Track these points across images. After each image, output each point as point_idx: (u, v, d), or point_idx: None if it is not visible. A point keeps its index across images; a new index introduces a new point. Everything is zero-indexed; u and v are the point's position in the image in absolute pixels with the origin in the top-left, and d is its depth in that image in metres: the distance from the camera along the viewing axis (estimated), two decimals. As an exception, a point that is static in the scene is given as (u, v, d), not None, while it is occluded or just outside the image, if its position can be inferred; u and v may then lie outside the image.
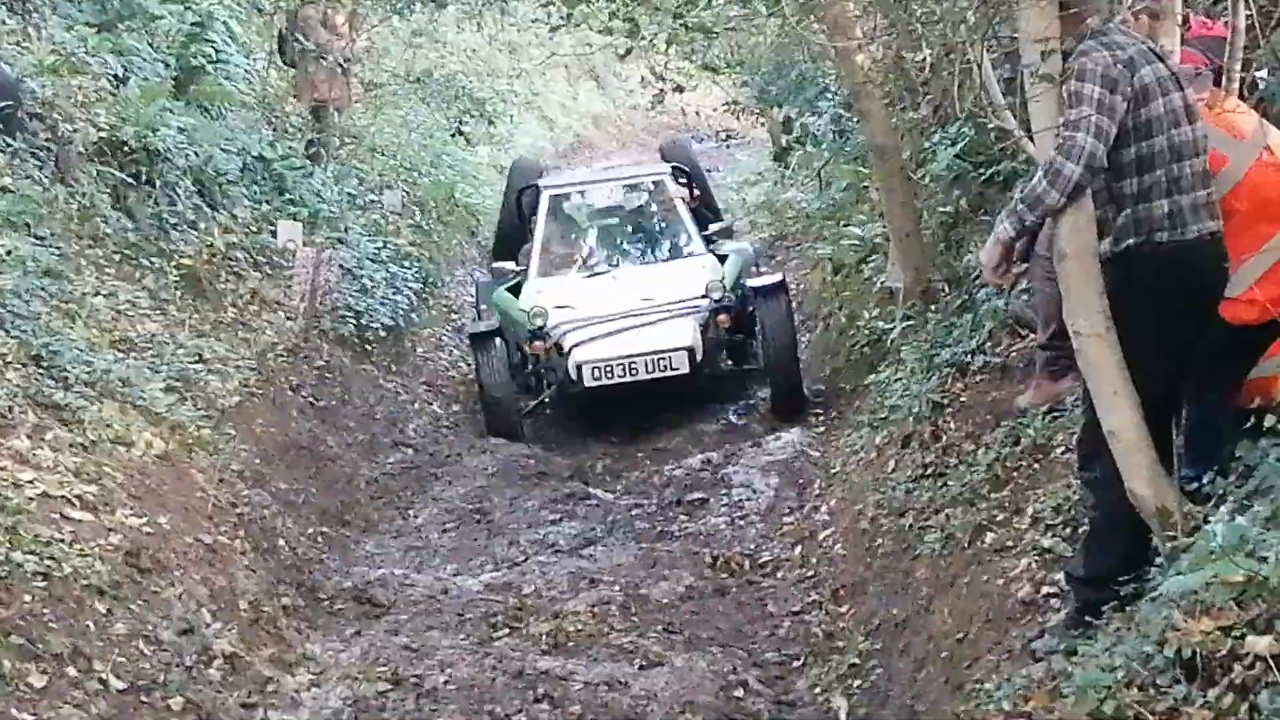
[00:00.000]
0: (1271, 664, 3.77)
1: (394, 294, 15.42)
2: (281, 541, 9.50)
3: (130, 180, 11.68)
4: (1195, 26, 6.46)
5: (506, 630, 8.64)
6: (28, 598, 6.45)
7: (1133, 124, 5.36)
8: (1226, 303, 5.60)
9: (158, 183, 11.96)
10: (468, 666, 7.92)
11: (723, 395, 14.04)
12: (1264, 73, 6.97)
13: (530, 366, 13.95)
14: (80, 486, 7.61)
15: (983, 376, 9.33)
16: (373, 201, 17.71)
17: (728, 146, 26.76)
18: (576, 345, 13.19)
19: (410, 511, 11.65)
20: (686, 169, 16.39)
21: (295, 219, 13.98)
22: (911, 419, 9.61)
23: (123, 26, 13.27)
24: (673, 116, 27.03)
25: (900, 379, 10.46)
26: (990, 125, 8.09)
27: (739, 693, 7.74)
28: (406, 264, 16.43)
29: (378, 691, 7.61)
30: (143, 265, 11.21)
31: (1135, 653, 4.32)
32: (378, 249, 15.83)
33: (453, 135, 23.61)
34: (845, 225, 15.30)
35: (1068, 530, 6.75)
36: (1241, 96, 6.32)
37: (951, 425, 9.13)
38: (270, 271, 13.25)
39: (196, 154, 12.82)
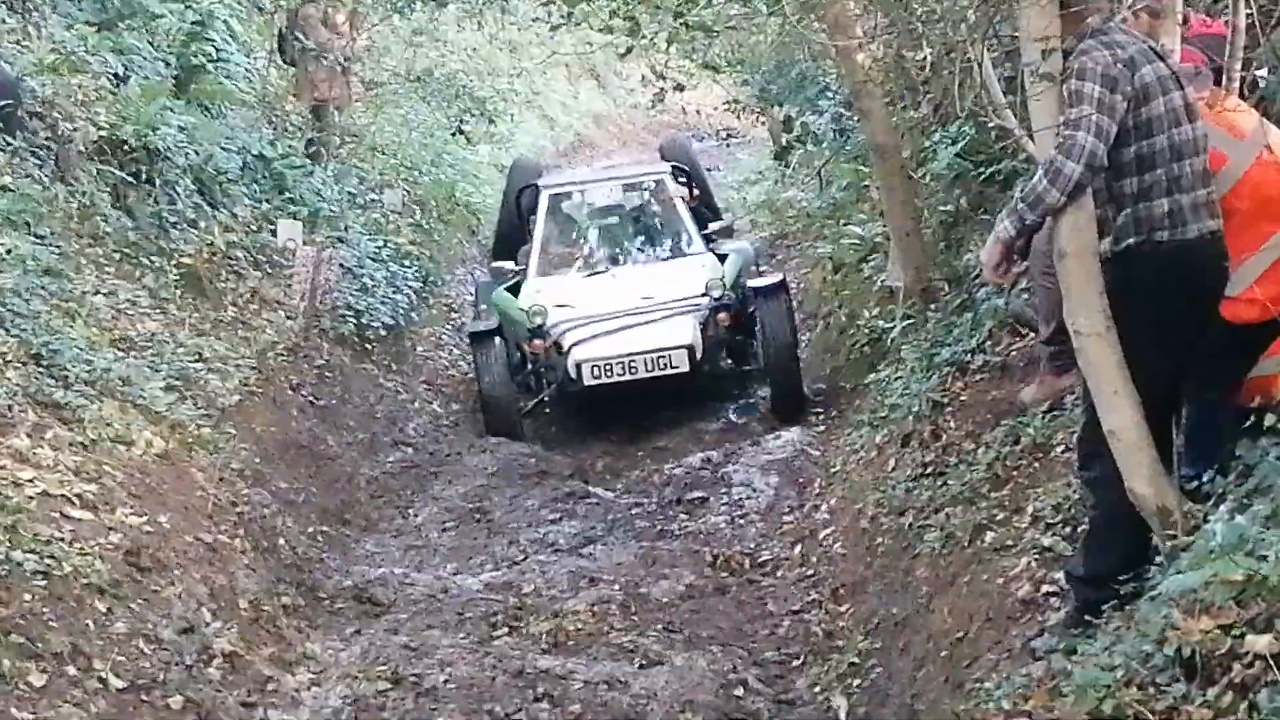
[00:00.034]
0: (1271, 663, 3.77)
1: (394, 293, 15.42)
2: (281, 540, 9.50)
3: (130, 179, 11.69)
4: (1195, 25, 6.46)
5: (506, 629, 8.64)
6: (27, 596, 6.44)
7: (1133, 123, 5.36)
8: (1227, 302, 5.60)
9: (158, 181, 11.96)
10: (467, 665, 7.92)
11: (723, 394, 14.04)
12: (1264, 71, 6.97)
13: (530, 366, 13.94)
14: (80, 485, 7.61)
15: (983, 375, 9.34)
16: (373, 200, 17.71)
17: (728, 145, 26.81)
18: (576, 344, 13.18)
19: (410, 510, 11.65)
20: (686, 168, 16.39)
21: (295, 218, 13.98)
22: (911, 418, 9.61)
23: (123, 25, 13.27)
24: (673, 115, 27.08)
25: (900, 378, 10.47)
26: (991, 124, 8.09)
27: (739, 691, 7.74)
28: (407, 263, 16.43)
29: (378, 690, 7.62)
30: (143, 264, 11.22)
31: (1135, 651, 4.32)
32: (378, 248, 15.83)
33: (453, 134, 23.62)
34: (845, 224, 15.30)
35: (1068, 529, 6.75)
36: (1242, 95, 6.32)
37: (951, 424, 9.13)
38: (270, 270, 13.26)
39: (197, 153, 12.82)
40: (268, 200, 14.25)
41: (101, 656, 6.58)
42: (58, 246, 10.09)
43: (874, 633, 8.16)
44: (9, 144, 10.48)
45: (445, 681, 7.74)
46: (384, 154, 20.00)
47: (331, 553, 10.13)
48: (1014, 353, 9.27)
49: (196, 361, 10.46)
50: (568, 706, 7.46)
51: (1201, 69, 6.02)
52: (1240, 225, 5.64)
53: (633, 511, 11.22)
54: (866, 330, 12.52)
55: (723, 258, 14.66)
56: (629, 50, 13.36)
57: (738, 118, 24.76)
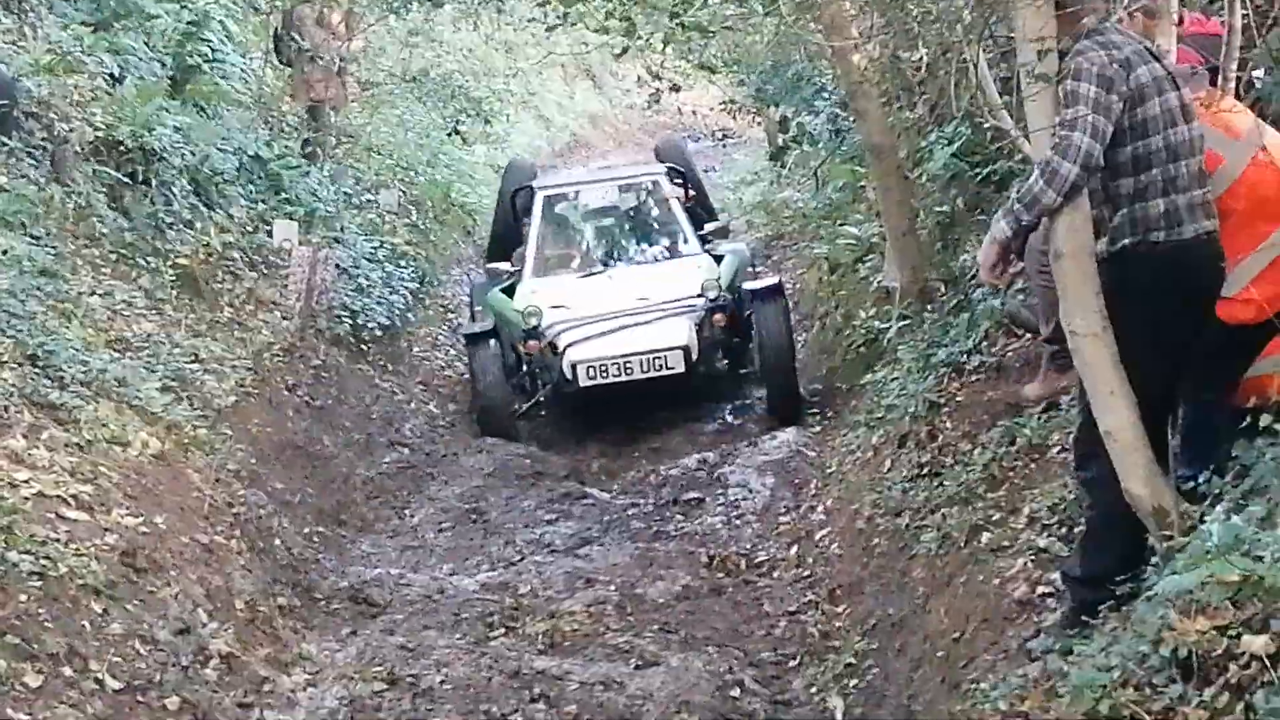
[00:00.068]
0: (1267, 663, 3.77)
1: (390, 293, 15.43)
2: (277, 541, 9.49)
3: (126, 180, 11.68)
4: (1190, 24, 6.46)
5: (503, 630, 8.63)
6: (23, 597, 6.44)
7: (1129, 123, 5.36)
8: (1223, 302, 5.60)
9: (154, 182, 11.96)
10: (464, 666, 7.92)
11: (719, 395, 14.04)
12: (1260, 72, 6.98)
13: (525, 367, 13.94)
14: (76, 486, 7.60)
15: (979, 376, 9.34)
16: (369, 201, 17.72)
17: (724, 146, 26.80)
18: (571, 345, 13.17)
19: (406, 511, 11.65)
20: (681, 169, 16.39)
21: (291, 218, 13.98)
22: (908, 418, 9.61)
23: (119, 25, 13.26)
24: (669, 116, 27.12)
25: (896, 378, 10.47)
26: (987, 125, 8.11)
27: (735, 692, 7.73)
28: (403, 263, 16.43)
29: (374, 691, 7.61)
30: (139, 265, 11.21)
31: (1131, 652, 4.32)
32: (374, 248, 15.84)
33: (449, 134, 23.61)
34: (842, 224, 15.31)
35: (1064, 530, 6.75)
36: (1238, 96, 6.33)
37: (948, 425, 9.13)
38: (266, 271, 13.26)
39: (192, 153, 12.81)
40: (264, 201, 14.25)
41: (98, 657, 6.57)
42: (53, 247, 10.10)
43: (870, 633, 8.16)
44: (5, 144, 10.48)
45: (441, 682, 7.74)
46: (380, 154, 20.01)
47: (327, 553, 10.12)
48: (1010, 353, 9.28)
49: (192, 362, 10.46)
50: (564, 707, 7.45)
51: (1197, 69, 6.03)
52: (1236, 226, 5.65)
53: (629, 512, 11.21)
54: (863, 331, 12.53)
55: (718, 259, 14.64)
56: (625, 51, 13.36)
57: (733, 118, 24.79)
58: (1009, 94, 7.02)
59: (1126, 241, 5.44)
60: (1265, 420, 4.92)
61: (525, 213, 15.66)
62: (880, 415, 10.34)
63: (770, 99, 21.10)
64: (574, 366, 13.00)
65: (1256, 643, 3.85)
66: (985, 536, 7.35)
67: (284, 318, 12.73)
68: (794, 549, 10.01)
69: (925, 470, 8.90)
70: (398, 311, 15.46)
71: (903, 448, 9.52)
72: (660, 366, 12.95)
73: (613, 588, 9.30)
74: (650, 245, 15.30)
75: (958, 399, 9.29)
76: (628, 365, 12.94)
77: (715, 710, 7.47)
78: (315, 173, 15.73)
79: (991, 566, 7.02)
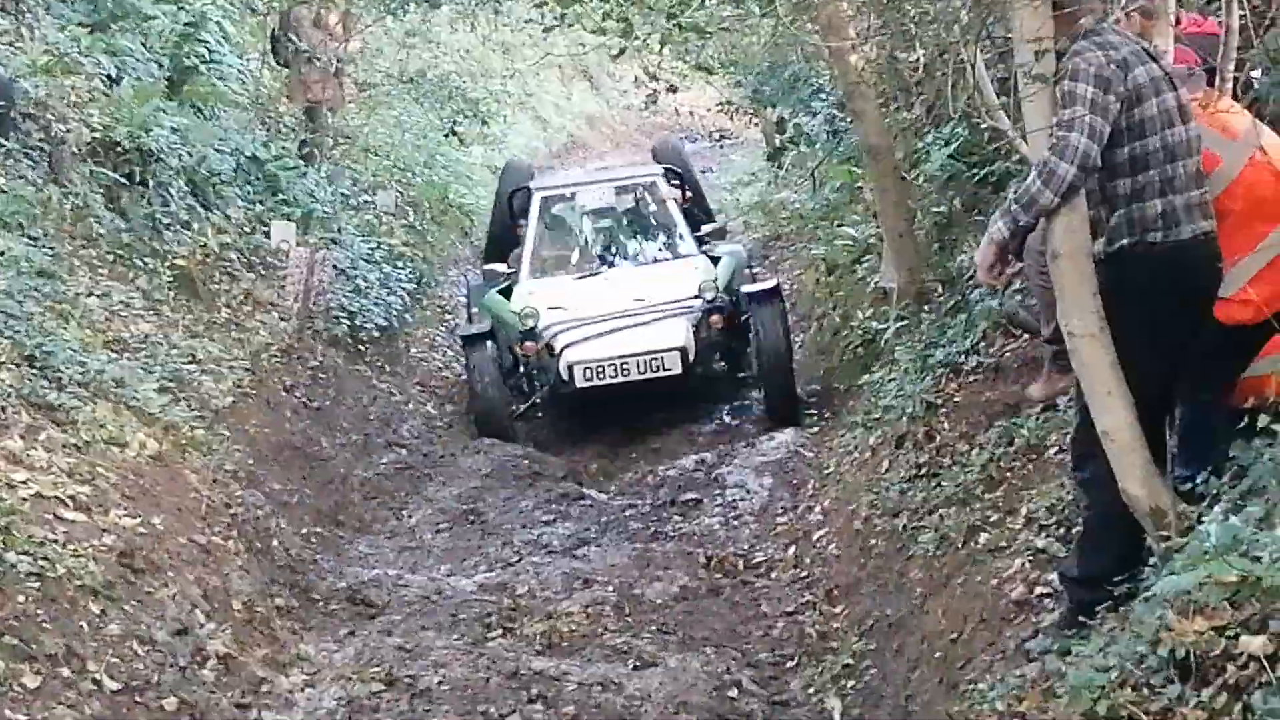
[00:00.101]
0: (1265, 664, 3.77)
1: (388, 294, 15.43)
2: (275, 542, 9.49)
3: (124, 180, 11.69)
4: (1186, 23, 6.46)
5: (500, 631, 8.63)
6: (21, 598, 6.44)
7: (1126, 124, 5.36)
8: (1221, 303, 5.60)
9: (151, 183, 11.97)
10: (461, 667, 7.91)
11: (716, 396, 14.05)
12: (1258, 72, 6.98)
13: (522, 368, 13.93)
14: (74, 487, 7.59)
15: (976, 377, 9.34)
16: (366, 202, 17.72)
17: (721, 147, 26.76)
18: (568, 346, 13.17)
19: (404, 512, 11.65)
20: (678, 170, 16.39)
21: (289, 219, 13.98)
22: (905, 419, 9.61)
23: (116, 27, 13.26)
24: (666, 117, 27.06)
25: (894, 379, 10.47)
26: (984, 125, 8.10)
27: (733, 693, 7.73)
28: (400, 264, 16.44)
29: (371, 692, 7.60)
30: (136, 266, 11.22)
31: (1129, 653, 4.32)
32: (371, 249, 15.84)
33: (446, 135, 23.62)
34: (839, 225, 15.31)
35: (1061, 530, 6.76)
36: (1235, 96, 6.33)
37: (945, 425, 9.14)
38: (264, 272, 13.26)
39: (190, 154, 12.82)
40: (261, 202, 14.26)
41: (95, 658, 6.57)
42: (51, 248, 10.10)
43: (868, 634, 8.17)
44: (2, 145, 10.49)
45: (439, 683, 7.73)
46: (377, 155, 20.00)
47: (325, 554, 10.12)
48: (1008, 354, 9.28)
49: (190, 363, 10.46)
50: (562, 708, 7.45)
51: (1195, 70, 6.03)
52: (1234, 226, 5.65)
53: (626, 513, 11.21)
54: (860, 331, 12.53)
55: (715, 260, 14.64)
56: (622, 52, 13.37)
57: (731, 119, 24.71)
58: (1006, 95, 7.01)
59: (1124, 242, 5.44)
60: (1263, 421, 4.92)
61: (522, 214, 15.65)
62: (878, 416, 10.35)
63: (767, 100, 21.08)
64: (571, 368, 13.00)
65: (1254, 643, 3.85)
66: (983, 537, 7.36)
67: (281, 319, 12.74)
68: (791, 550, 10.01)
69: (923, 471, 8.91)
70: (395, 312, 15.46)
71: (900, 448, 9.52)
72: (657, 368, 12.95)
73: (610, 588, 9.29)
74: (647, 246, 15.28)
75: (955, 400, 9.29)
76: (624, 366, 12.94)
77: (713, 711, 7.47)
78: (312, 174, 15.74)
79: (989, 567, 7.02)
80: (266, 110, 16.82)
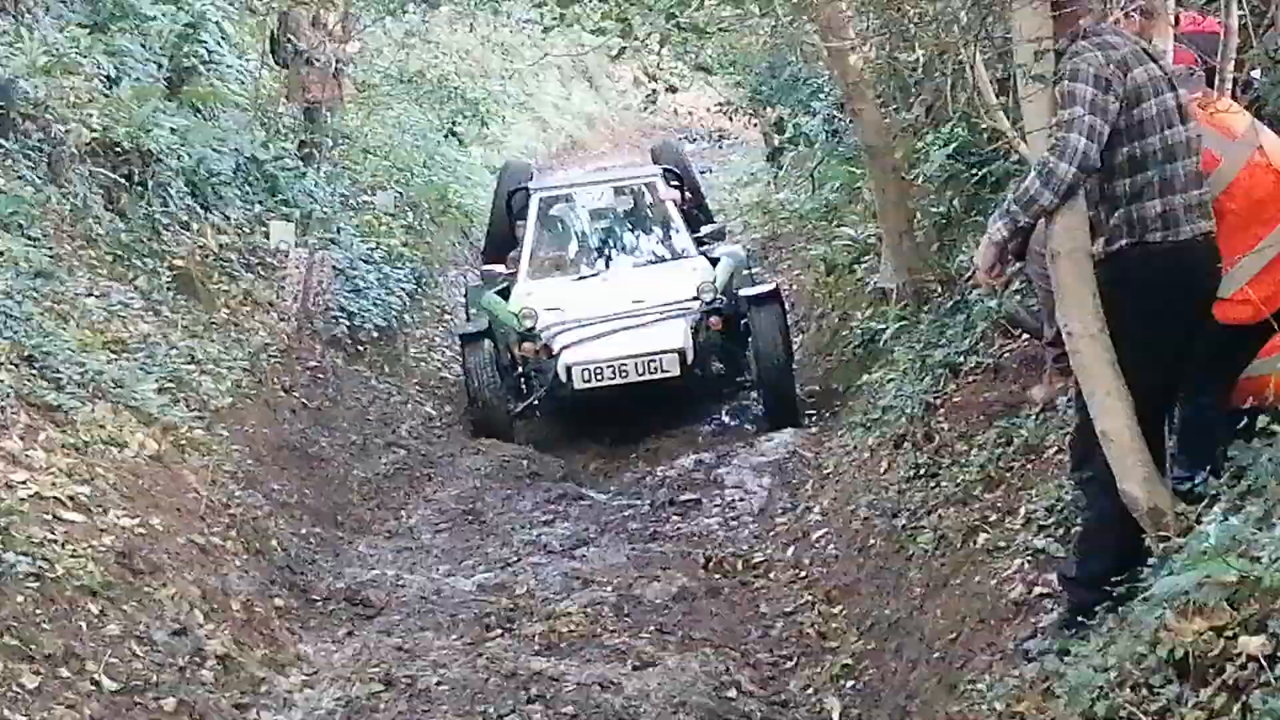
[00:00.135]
0: (1264, 664, 3.77)
1: (386, 295, 15.43)
2: (274, 542, 9.48)
3: (123, 181, 11.69)
4: (1185, 23, 6.46)
5: (499, 631, 8.62)
6: (20, 598, 6.44)
7: (1125, 124, 5.36)
8: (1220, 303, 5.60)
9: (150, 184, 11.97)
10: (460, 667, 7.90)
11: (715, 397, 14.03)
12: (1257, 73, 6.98)
13: (520, 369, 13.91)
14: (73, 487, 7.60)
15: (975, 377, 9.34)
16: (365, 202, 17.71)
17: (720, 147, 26.79)
18: (566, 347, 13.14)
19: (403, 512, 11.63)
20: (678, 171, 16.37)
21: (288, 220, 13.96)
22: (904, 419, 9.62)
23: (115, 27, 13.27)
24: (666, 117, 27.08)
25: (893, 379, 10.47)
26: (983, 126, 8.12)
27: (732, 693, 7.72)
28: (399, 265, 16.44)
29: (370, 692, 7.59)
30: (135, 266, 11.22)
31: (1128, 653, 4.32)
32: (370, 250, 15.85)
33: (445, 136, 23.64)
34: (838, 226, 15.33)
35: (1060, 531, 6.76)
36: (1234, 97, 6.33)
37: (944, 426, 9.14)
38: (263, 272, 13.26)
39: (189, 155, 12.82)
40: (260, 202, 14.26)
41: (94, 658, 6.57)
42: (50, 249, 10.10)
43: (867, 634, 8.16)
44: (1, 146, 10.48)
45: (438, 683, 7.72)
46: (376, 156, 20.01)
47: (324, 554, 10.11)
48: (1007, 354, 9.28)
49: (189, 363, 10.46)
50: (560, 708, 7.44)
51: (1195, 70, 6.03)
52: (1233, 226, 5.65)
53: (625, 513, 11.21)
54: (859, 332, 12.55)
55: (714, 261, 14.60)
56: (621, 52, 13.33)
57: (730, 119, 24.74)
58: (1005, 95, 7.04)
59: (1123, 242, 5.44)
60: (1262, 421, 4.93)
61: (521, 214, 15.62)
62: (877, 416, 10.35)
63: (767, 100, 21.14)
64: (569, 369, 12.98)
65: (1253, 643, 3.85)
66: (982, 537, 7.36)
67: (280, 319, 12.74)
68: (791, 550, 10.00)
69: (922, 471, 8.91)
70: (394, 313, 15.47)
71: (899, 449, 9.52)
72: (655, 369, 12.91)
73: (609, 589, 9.28)
74: (646, 247, 15.26)
75: (954, 400, 9.29)
76: (623, 368, 12.90)
77: (712, 711, 7.46)
78: (312, 174, 15.74)
79: (988, 567, 7.03)
80: (265, 111, 16.79)
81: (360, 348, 14.50)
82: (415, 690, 7.64)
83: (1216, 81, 6.12)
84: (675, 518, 10.96)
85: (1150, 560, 5.21)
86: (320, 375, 12.96)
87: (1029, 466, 7.71)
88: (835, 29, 11.34)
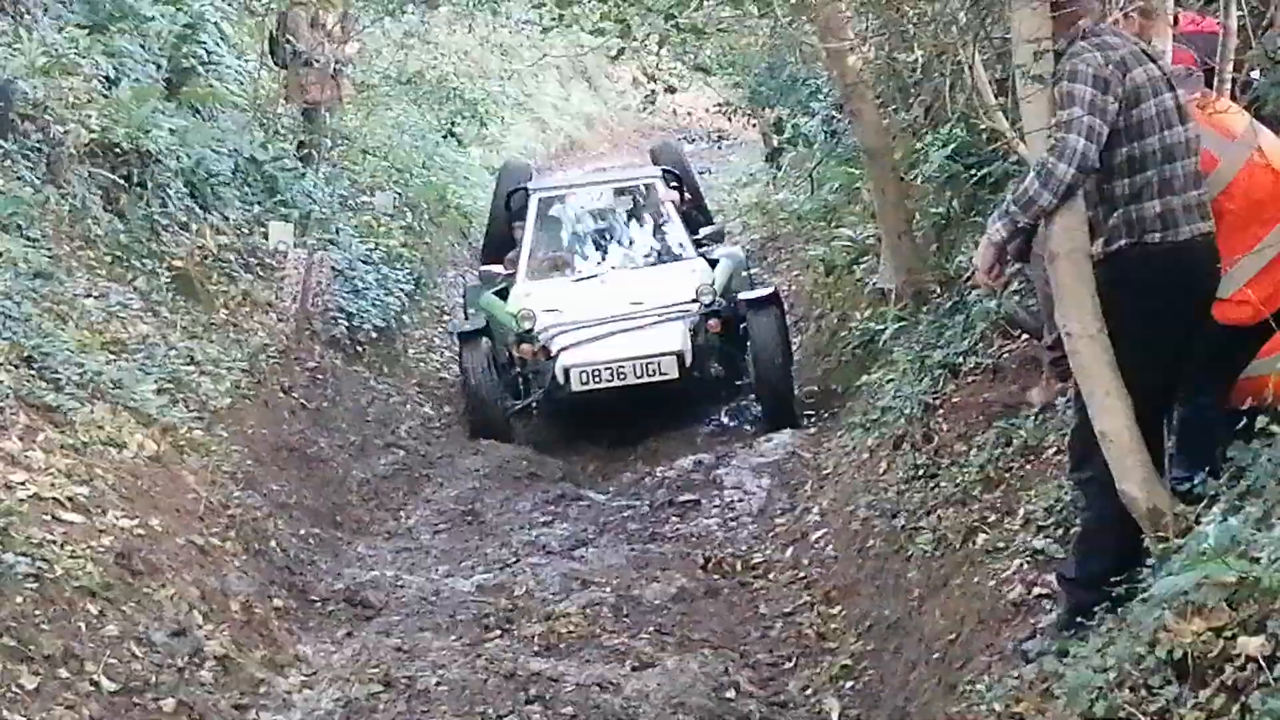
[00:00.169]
0: (1263, 665, 3.77)
1: (385, 296, 15.42)
2: (273, 543, 9.48)
3: (122, 182, 11.68)
4: (1184, 23, 6.47)
5: (498, 632, 8.62)
6: (19, 599, 6.45)
7: (1124, 125, 5.36)
8: (1219, 303, 5.61)
9: (149, 184, 11.96)
10: (459, 668, 7.90)
11: (714, 398, 14.01)
12: (1256, 73, 6.98)
13: (518, 369, 13.87)
14: (72, 488, 7.61)
15: (975, 378, 9.34)
16: (364, 203, 17.68)
17: (719, 147, 26.76)
18: (564, 349, 13.11)
19: (402, 513, 11.64)
20: (677, 172, 16.34)
21: (287, 220, 13.95)
22: (903, 420, 9.61)
23: (114, 28, 13.25)
24: (665, 118, 27.06)
25: (892, 380, 10.47)
26: (982, 126, 8.11)
27: (730, 694, 7.73)
28: (398, 265, 16.43)
29: (369, 693, 7.59)
30: (134, 267, 11.22)
31: (1127, 654, 4.32)
32: (369, 250, 15.84)
33: (444, 136, 23.63)
34: (837, 226, 15.32)
35: (1059, 531, 6.76)
36: (1233, 97, 6.33)
37: (943, 426, 9.14)
38: (262, 273, 13.25)
39: (188, 156, 12.81)
40: (259, 203, 14.25)
41: (93, 659, 6.58)
42: (49, 249, 10.10)
43: (866, 635, 8.17)
44: (0, 147, 10.47)
45: (437, 684, 7.72)
46: (375, 156, 20.00)
47: (323, 555, 10.11)
48: (1006, 355, 9.28)
49: (188, 364, 10.46)
50: (560, 709, 7.45)
51: (1193, 71, 6.04)
52: (1232, 227, 5.65)
53: (624, 514, 11.21)
54: (858, 332, 12.54)
55: (713, 263, 14.57)
56: (620, 52, 13.35)
57: (729, 120, 24.70)
58: (1004, 95, 7.04)
59: (1122, 243, 5.44)
60: (1261, 421, 4.93)
61: (520, 214, 15.60)
62: (876, 417, 10.34)
63: (766, 101, 21.11)
64: (567, 371, 12.95)
65: (1252, 644, 3.85)
66: (981, 538, 7.36)
67: (279, 320, 12.74)
68: (790, 551, 10.01)
69: (921, 472, 8.90)
70: (393, 314, 15.46)
71: (898, 449, 9.52)
72: (654, 372, 12.87)
73: (608, 589, 9.28)
74: (645, 249, 15.22)
75: (953, 401, 9.29)
76: (621, 370, 12.87)
77: (711, 712, 7.47)
78: (311, 175, 15.73)
79: (987, 568, 7.03)
80: (264, 111, 16.76)
81: (359, 348, 14.49)
82: (414, 691, 7.64)
83: (1215, 82, 6.12)
84: (674, 518, 10.96)
85: (1149, 561, 5.22)
86: (319, 376, 12.95)
87: (1028, 467, 7.71)
88: (834, 29, 11.34)
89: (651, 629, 8.66)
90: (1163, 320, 5.41)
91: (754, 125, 24.59)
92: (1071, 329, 5.35)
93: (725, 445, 12.77)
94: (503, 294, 14.35)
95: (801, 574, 9.59)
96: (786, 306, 14.58)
